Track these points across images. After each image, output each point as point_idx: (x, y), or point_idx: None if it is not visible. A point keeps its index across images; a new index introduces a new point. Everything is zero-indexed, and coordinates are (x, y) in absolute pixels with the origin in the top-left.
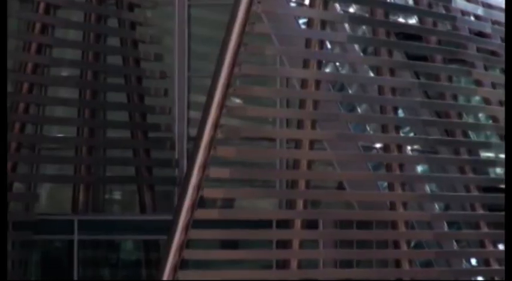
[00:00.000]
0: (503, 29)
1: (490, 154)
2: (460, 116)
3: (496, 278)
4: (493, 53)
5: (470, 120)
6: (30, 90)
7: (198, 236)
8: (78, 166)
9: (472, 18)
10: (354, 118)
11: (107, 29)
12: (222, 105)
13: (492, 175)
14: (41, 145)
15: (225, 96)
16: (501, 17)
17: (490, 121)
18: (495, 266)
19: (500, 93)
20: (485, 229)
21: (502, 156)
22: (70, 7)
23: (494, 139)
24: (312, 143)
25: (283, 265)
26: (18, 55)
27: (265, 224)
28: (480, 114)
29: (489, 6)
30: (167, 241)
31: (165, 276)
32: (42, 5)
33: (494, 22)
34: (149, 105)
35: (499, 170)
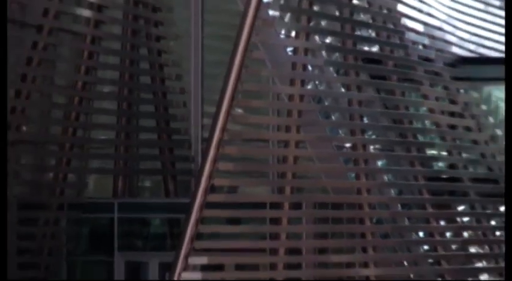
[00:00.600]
0: (445, 55)
1: (434, 152)
2: (410, 122)
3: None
4: (437, 74)
5: (419, 125)
6: (80, 103)
7: (210, 215)
8: (118, 161)
9: (420, 46)
10: (329, 124)
11: (140, 56)
12: (228, 114)
13: (435, 168)
14: (89, 145)
15: (230, 107)
16: (443, 45)
17: (434, 126)
18: (437, 237)
19: (442, 105)
20: (429, 209)
21: (444, 153)
22: (110, 38)
23: (437, 140)
24: (297, 143)
25: (275, 236)
26: (70, 75)
27: (261, 205)
28: (426, 121)
29: (433, 37)
30: (186, 218)
31: (185, 245)
32: (88, 37)
33: (438, 50)
34: (172, 114)
35: (441, 164)
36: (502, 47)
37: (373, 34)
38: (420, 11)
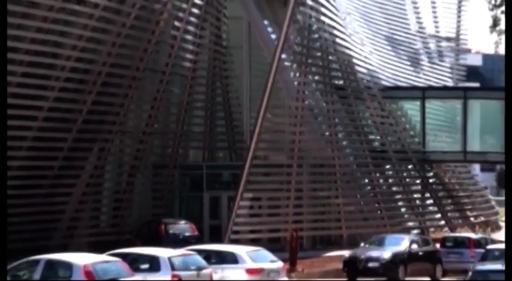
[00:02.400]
0: (378, 85)
1: (373, 136)
2: (360, 121)
3: None
4: (374, 95)
5: (365, 122)
6: (185, 111)
7: (254, 171)
8: (205, 142)
9: (365, 80)
10: (317, 122)
11: (216, 86)
12: (264, 117)
13: (374, 144)
14: (191, 136)
15: (265, 113)
16: (377, 80)
17: (373, 123)
18: (375, 182)
19: (377, 112)
20: (371, 167)
21: (378, 137)
22: (201, 77)
23: (374, 130)
24: (300, 132)
25: (287, 190)
26: (180, 98)
27: (280, 166)
28: (369, 120)
29: (371, 75)
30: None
31: (241, 187)
32: (189, 77)
33: (374, 82)
34: (234, 117)
35: (376, 143)
36: (409, 80)
37: (340, 74)
38: (366, 62)
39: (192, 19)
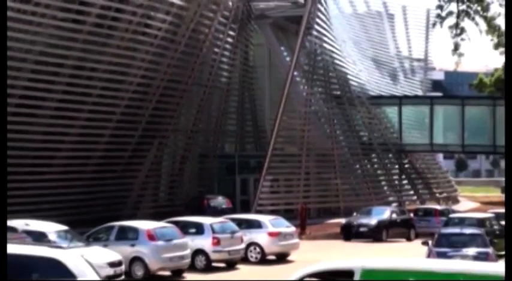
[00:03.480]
0: (366, 94)
1: (362, 133)
2: (353, 121)
3: None
4: (363, 102)
5: (357, 122)
6: (222, 114)
7: (274, 159)
8: (237, 137)
9: (357, 91)
10: (320, 123)
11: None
12: (281, 118)
13: (363, 139)
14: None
15: (282, 115)
16: (365, 89)
17: (363, 123)
18: (364, 168)
19: (365, 114)
20: (360, 155)
21: (366, 133)
22: (234, 89)
23: (363, 127)
24: (308, 130)
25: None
26: (219, 105)
27: (294, 155)
28: (360, 121)
29: (361, 87)
30: (265, 160)
31: (265, 170)
32: (224, 90)
33: (364, 92)
34: (259, 118)
35: (365, 138)
36: (389, 91)
37: (337, 86)
38: (357, 77)
39: (227, 46)
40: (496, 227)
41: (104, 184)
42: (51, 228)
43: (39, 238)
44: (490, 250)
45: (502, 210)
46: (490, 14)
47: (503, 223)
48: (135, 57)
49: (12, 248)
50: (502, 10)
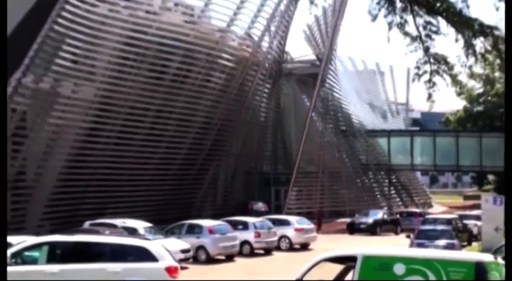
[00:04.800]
0: (364, 128)
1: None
2: (356, 147)
3: None
4: (361, 133)
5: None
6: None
7: (299, 171)
8: (271, 160)
9: (357, 126)
10: (329, 148)
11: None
12: (302, 149)
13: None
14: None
15: (303, 147)
16: (363, 125)
17: (361, 148)
18: None
19: (364, 142)
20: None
21: (363, 156)
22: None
23: (362, 153)
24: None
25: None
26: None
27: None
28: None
29: (361, 124)
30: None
31: (293, 180)
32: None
33: (362, 127)
34: (288, 146)
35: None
36: (381, 126)
37: (344, 123)
38: (357, 116)
39: (264, 95)
40: (459, 225)
41: (177, 193)
42: (140, 225)
43: (132, 232)
44: (455, 241)
45: (464, 212)
46: (453, 72)
47: (464, 221)
48: (200, 103)
49: (114, 239)
50: (463, 69)
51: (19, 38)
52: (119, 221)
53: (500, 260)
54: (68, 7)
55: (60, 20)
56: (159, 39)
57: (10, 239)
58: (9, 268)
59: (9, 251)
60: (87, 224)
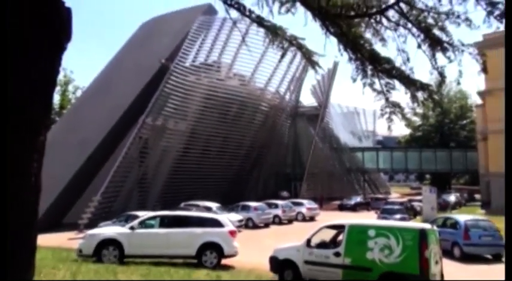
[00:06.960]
0: (348, 147)
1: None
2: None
3: None
4: (345, 150)
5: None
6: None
7: (308, 177)
8: (292, 166)
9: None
10: (330, 158)
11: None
12: (308, 166)
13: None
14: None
15: (309, 164)
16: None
17: (349, 164)
18: None
19: (348, 156)
20: None
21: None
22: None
23: (347, 161)
24: (327, 163)
25: None
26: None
27: None
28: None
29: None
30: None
31: (304, 189)
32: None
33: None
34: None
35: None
36: (358, 145)
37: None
38: (345, 140)
39: (287, 127)
40: (408, 205)
41: (235, 186)
42: (213, 205)
43: (208, 209)
44: (406, 216)
45: (411, 197)
46: (404, 112)
47: (412, 203)
48: (249, 133)
49: (198, 214)
50: (410, 111)
51: (145, 97)
52: (200, 203)
53: (435, 228)
54: (172, 78)
55: (167, 85)
56: (225, 95)
57: (137, 213)
58: (138, 230)
59: (138, 220)
60: (182, 205)
